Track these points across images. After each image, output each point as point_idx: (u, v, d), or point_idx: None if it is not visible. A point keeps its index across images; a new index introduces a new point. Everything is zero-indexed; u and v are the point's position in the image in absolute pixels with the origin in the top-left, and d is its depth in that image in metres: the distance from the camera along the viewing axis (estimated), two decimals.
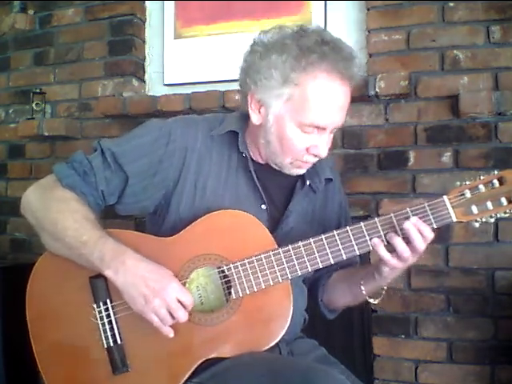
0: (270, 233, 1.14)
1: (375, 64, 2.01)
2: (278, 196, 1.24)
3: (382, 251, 1.06)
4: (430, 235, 1.05)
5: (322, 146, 1.14)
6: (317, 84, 1.08)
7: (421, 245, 1.05)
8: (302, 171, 1.20)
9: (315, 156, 1.15)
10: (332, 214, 1.34)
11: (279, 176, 1.22)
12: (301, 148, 1.13)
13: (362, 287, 1.17)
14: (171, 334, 1.06)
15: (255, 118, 1.16)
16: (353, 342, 1.96)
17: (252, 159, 1.22)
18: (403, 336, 1.94)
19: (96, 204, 1.18)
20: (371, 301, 1.20)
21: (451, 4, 1.93)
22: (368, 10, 2.03)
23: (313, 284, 1.32)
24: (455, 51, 1.92)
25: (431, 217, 1.06)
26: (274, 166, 1.21)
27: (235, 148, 1.21)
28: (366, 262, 1.48)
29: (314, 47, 1.07)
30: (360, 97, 1.94)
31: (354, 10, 2.12)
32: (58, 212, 1.12)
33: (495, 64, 1.88)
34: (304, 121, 1.10)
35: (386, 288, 1.20)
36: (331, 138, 1.18)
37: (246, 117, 1.22)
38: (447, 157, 1.91)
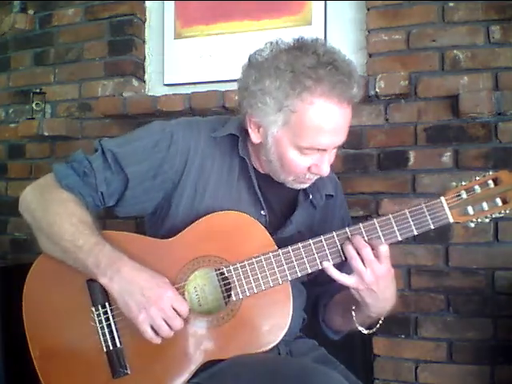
0: None
1: (375, 64, 2.00)
2: (279, 205, 1.24)
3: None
4: (370, 256, 1.03)
5: (323, 165, 1.12)
6: (314, 110, 1.05)
7: (360, 267, 1.04)
8: (305, 185, 1.20)
9: (317, 174, 1.15)
10: (332, 229, 1.32)
11: (280, 186, 1.21)
12: (302, 168, 1.13)
13: (353, 313, 1.15)
14: (159, 341, 1.05)
15: (254, 138, 1.15)
16: (353, 342, 1.95)
17: (253, 166, 1.22)
18: (403, 336, 1.94)
19: (95, 205, 1.17)
20: (361, 329, 1.17)
21: (451, 4, 1.93)
22: (368, 9, 2.03)
23: (315, 303, 1.31)
24: (455, 51, 1.92)
25: (428, 217, 1.07)
26: (276, 180, 1.20)
27: (237, 152, 1.20)
28: None
29: (308, 72, 1.03)
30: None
31: (354, 10, 2.11)
32: (56, 214, 1.11)
33: (495, 64, 1.88)
34: (303, 144, 1.09)
35: (382, 320, 1.16)
36: (334, 154, 1.16)
37: None
38: (447, 157, 1.91)
